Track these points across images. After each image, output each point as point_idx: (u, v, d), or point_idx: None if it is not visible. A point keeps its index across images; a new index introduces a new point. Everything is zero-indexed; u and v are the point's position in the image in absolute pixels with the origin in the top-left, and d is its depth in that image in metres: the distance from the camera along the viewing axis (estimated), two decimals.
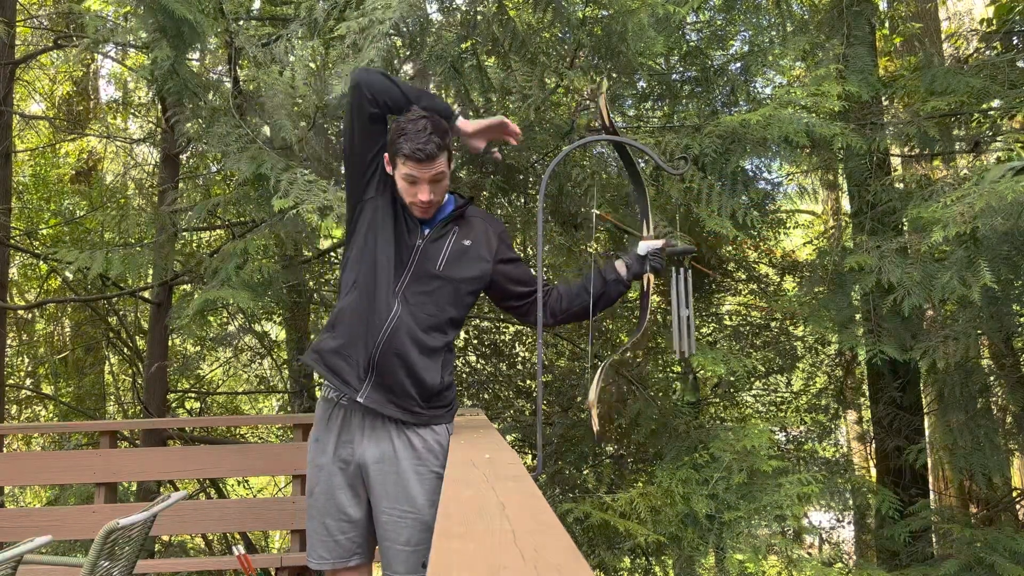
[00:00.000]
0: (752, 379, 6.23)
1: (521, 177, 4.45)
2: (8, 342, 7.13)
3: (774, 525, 3.92)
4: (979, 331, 4.11)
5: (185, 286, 5.78)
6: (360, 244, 2.10)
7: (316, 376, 7.43)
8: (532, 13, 4.00)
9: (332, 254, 6.68)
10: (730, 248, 5.50)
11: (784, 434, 6.51)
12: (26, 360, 9.16)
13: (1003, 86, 3.98)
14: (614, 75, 3.92)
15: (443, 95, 4.26)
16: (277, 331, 9.43)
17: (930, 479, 6.21)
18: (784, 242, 7.04)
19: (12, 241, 6.65)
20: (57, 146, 9.45)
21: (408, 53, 3.73)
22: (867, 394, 6.00)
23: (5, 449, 7.31)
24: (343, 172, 2.42)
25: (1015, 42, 4.73)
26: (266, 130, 3.71)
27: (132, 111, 8.78)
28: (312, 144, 3.74)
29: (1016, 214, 3.11)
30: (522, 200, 4.77)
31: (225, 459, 4.07)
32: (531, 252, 5.72)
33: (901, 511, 4.45)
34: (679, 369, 5.80)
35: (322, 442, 2.13)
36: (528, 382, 6.29)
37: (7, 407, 7.28)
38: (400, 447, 2.06)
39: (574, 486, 5.32)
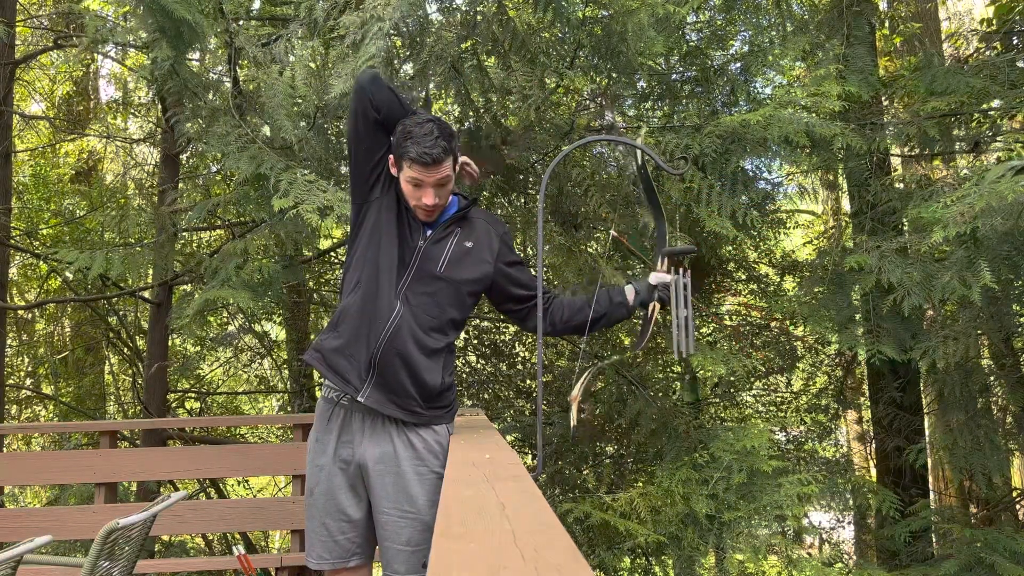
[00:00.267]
0: (752, 379, 6.23)
1: (521, 177, 4.45)
2: (8, 342, 7.13)
3: (774, 525, 3.92)
4: (979, 331, 4.11)
5: (185, 286, 5.77)
6: (364, 244, 2.10)
7: (316, 376, 7.44)
8: (532, 13, 4.00)
9: (332, 254, 6.68)
10: (730, 248, 5.50)
11: (784, 434, 6.51)
12: (26, 360, 9.16)
13: (1003, 86, 3.98)
14: (614, 75, 3.92)
15: (443, 95, 4.26)
16: (277, 331, 9.43)
17: (930, 479, 6.21)
18: (784, 242, 7.03)
19: (12, 241, 6.65)
20: (57, 146, 9.45)
21: (408, 53, 3.73)
22: (867, 394, 6.00)
23: (5, 449, 7.32)
24: (346, 172, 2.42)
25: (1015, 42, 4.73)
26: (266, 130, 3.71)
27: (132, 111, 8.78)
28: (312, 144, 3.74)
29: (1016, 214, 3.11)
30: (522, 200, 4.77)
31: (225, 459, 4.07)
32: (531, 252, 5.73)
33: (901, 511, 4.46)
34: (679, 369, 5.80)
35: (322, 442, 2.13)
36: (528, 382, 6.29)
37: (7, 407, 7.28)
38: (400, 447, 2.06)
39: (574, 486, 5.32)
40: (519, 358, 6.58)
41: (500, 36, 3.67)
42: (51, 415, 8.69)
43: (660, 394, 5.02)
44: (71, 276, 7.33)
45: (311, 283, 7.37)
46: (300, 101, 3.62)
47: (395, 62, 3.83)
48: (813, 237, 7.43)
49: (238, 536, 6.65)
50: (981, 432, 4.35)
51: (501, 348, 6.64)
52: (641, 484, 4.24)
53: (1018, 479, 9.06)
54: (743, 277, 6.10)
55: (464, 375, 6.38)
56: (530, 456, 5.69)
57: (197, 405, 9.07)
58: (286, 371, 8.24)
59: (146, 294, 6.46)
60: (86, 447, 7.40)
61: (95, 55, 8.75)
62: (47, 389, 9.06)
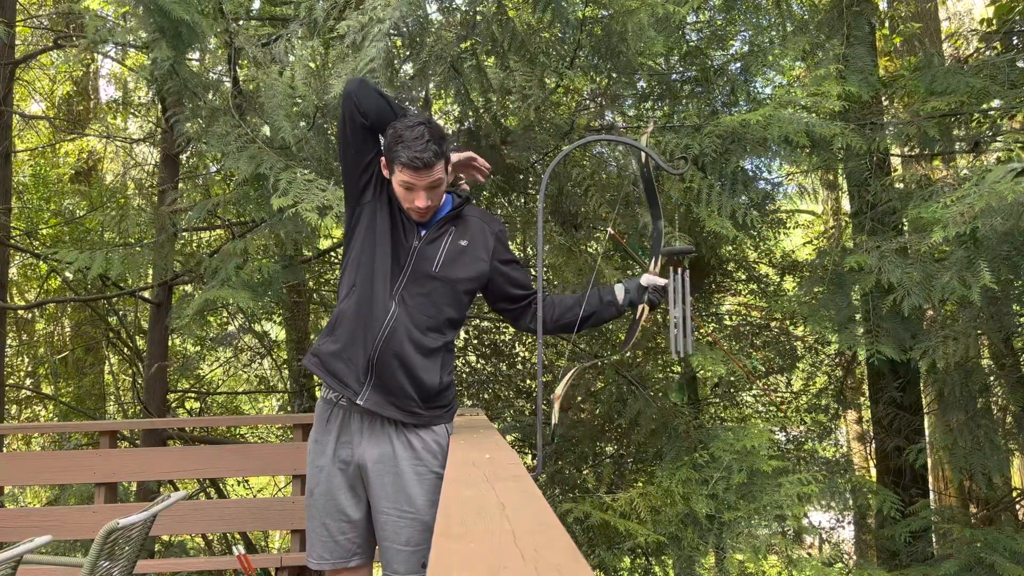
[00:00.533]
0: (751, 380, 6.23)
1: (521, 177, 4.45)
2: (8, 342, 7.13)
3: (774, 525, 3.92)
4: (979, 331, 4.11)
5: (185, 286, 5.78)
6: (358, 247, 2.10)
7: (316, 376, 7.42)
8: (532, 13, 4.00)
9: (332, 254, 6.68)
10: (730, 248, 5.50)
11: (784, 434, 6.50)
12: (26, 360, 9.16)
13: (1003, 86, 3.98)
14: (614, 75, 3.92)
15: (443, 95, 4.26)
16: (277, 331, 9.43)
17: (930, 479, 6.21)
18: (784, 242, 7.03)
19: (12, 241, 6.65)
20: (57, 146, 9.45)
21: (408, 53, 3.73)
22: (867, 394, 6.00)
23: (5, 449, 7.32)
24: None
25: (1015, 42, 4.73)
26: (266, 130, 3.71)
27: (132, 111, 8.78)
28: (312, 144, 3.74)
29: (1016, 214, 3.11)
30: (522, 200, 4.77)
31: (225, 459, 4.07)
32: (531, 252, 5.73)
33: (901, 511, 4.45)
34: (679, 369, 5.80)
35: (321, 443, 2.13)
36: (528, 382, 6.29)
37: (7, 407, 7.28)
38: (399, 447, 2.06)
39: (574, 486, 5.32)
40: (519, 358, 6.58)
41: (500, 36, 3.67)
42: (51, 415, 8.69)
43: (660, 394, 5.01)
44: (71, 276, 7.33)
45: (311, 283, 7.37)
46: (300, 101, 3.62)
47: (395, 62, 3.83)
48: (813, 237, 7.43)
49: (238, 536, 6.65)
50: (981, 432, 4.35)
51: (501, 348, 6.64)
52: (641, 484, 4.24)
53: (1018, 479, 9.06)
54: (743, 277, 6.10)
55: (464, 375, 6.38)
56: (530, 456, 5.69)
57: (197, 405, 9.07)
58: (286, 371, 8.24)
59: (146, 294, 6.46)
60: (86, 447, 7.40)
61: (95, 55, 8.75)
62: (47, 389, 9.05)
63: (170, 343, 6.82)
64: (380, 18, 3.02)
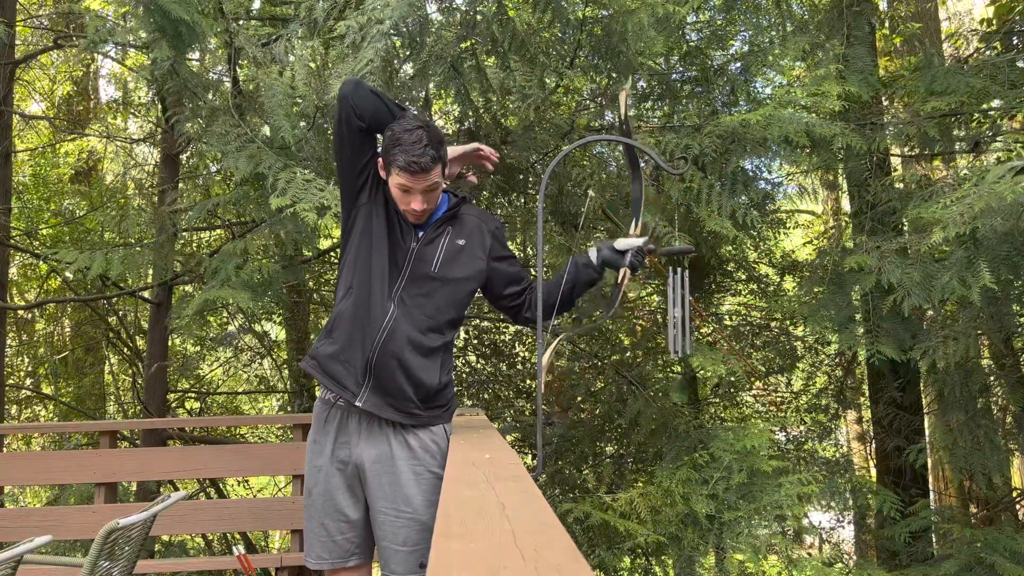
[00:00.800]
0: (753, 380, 6.23)
1: (521, 177, 4.45)
2: (8, 342, 7.13)
3: (774, 525, 3.92)
4: (979, 331, 4.11)
5: (185, 286, 5.78)
6: (355, 249, 2.10)
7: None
8: (532, 13, 4.00)
9: (332, 254, 6.68)
10: (730, 248, 5.50)
11: (784, 434, 6.51)
12: (26, 360, 9.16)
13: (1003, 86, 3.98)
14: (614, 75, 3.92)
15: (443, 95, 4.26)
16: (277, 331, 9.43)
17: (930, 479, 6.21)
18: (784, 242, 7.03)
19: (12, 241, 6.65)
20: (57, 146, 9.45)
21: (408, 53, 3.73)
22: (867, 394, 6.00)
23: (5, 449, 7.31)
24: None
25: (1015, 42, 4.73)
26: (266, 130, 3.71)
27: (132, 111, 8.78)
28: (312, 144, 3.74)
29: (1016, 214, 3.11)
30: (522, 200, 4.77)
31: (225, 459, 4.07)
32: (531, 252, 5.72)
33: (901, 511, 4.45)
34: (679, 369, 5.80)
35: (319, 443, 2.13)
36: (528, 382, 6.29)
37: (7, 407, 7.28)
38: (397, 447, 2.06)
39: (574, 486, 5.32)
40: (519, 358, 6.58)
41: (500, 36, 3.67)
42: (51, 415, 8.69)
43: (660, 394, 5.01)
44: (71, 276, 7.33)
45: (311, 283, 7.37)
46: (300, 101, 3.62)
47: (395, 62, 3.83)
48: (813, 237, 7.43)
49: (238, 536, 6.65)
50: (981, 432, 4.35)
51: (501, 348, 6.64)
52: (641, 484, 4.24)
53: (1018, 479, 9.05)
54: (743, 277, 6.11)
55: (464, 375, 6.38)
56: (530, 456, 5.69)
57: (197, 405, 9.07)
58: (286, 371, 8.24)
59: (146, 294, 6.46)
60: (86, 447, 7.40)
61: (95, 55, 8.76)
62: (47, 389, 9.05)
63: (170, 343, 6.83)
64: (379, 18, 3.02)
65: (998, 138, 4.38)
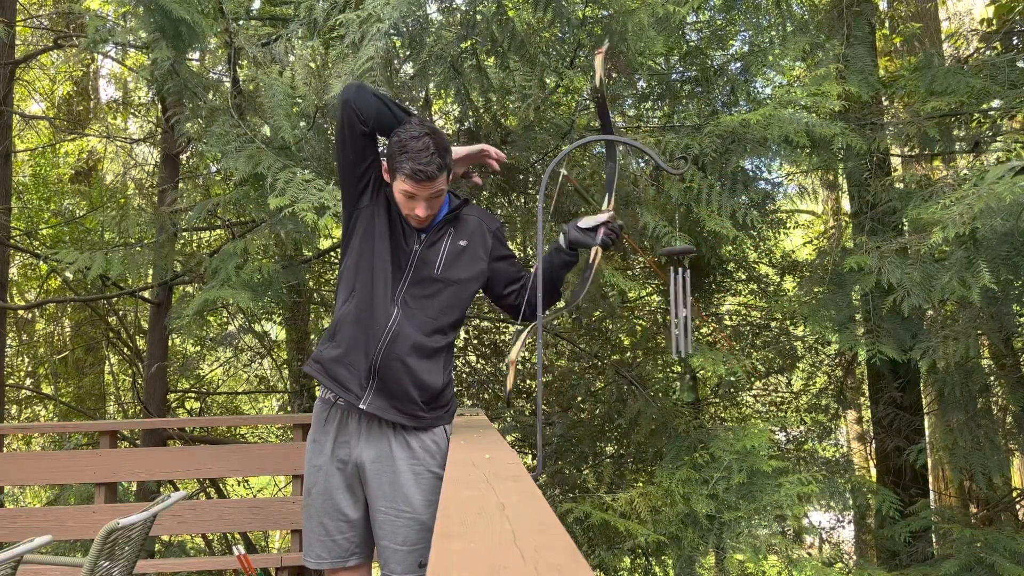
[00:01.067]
0: (752, 379, 6.24)
1: (521, 177, 4.45)
2: (8, 342, 7.13)
3: (774, 525, 3.92)
4: (979, 331, 4.11)
5: (185, 286, 5.78)
6: (357, 252, 2.10)
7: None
8: (532, 13, 4.00)
9: (332, 254, 6.68)
10: (730, 248, 5.50)
11: (784, 434, 6.51)
12: (26, 360, 9.16)
13: (1003, 86, 3.98)
14: (614, 75, 3.92)
15: (443, 95, 4.26)
16: (277, 331, 9.43)
17: (930, 479, 6.21)
18: (784, 242, 7.03)
19: (12, 241, 6.65)
20: (57, 146, 9.45)
21: (408, 53, 3.73)
22: (867, 394, 6.00)
23: (5, 449, 7.31)
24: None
25: (1015, 42, 4.73)
26: (266, 130, 3.71)
27: (132, 111, 8.78)
28: (312, 144, 3.74)
29: (1015, 214, 3.11)
30: (522, 200, 4.77)
31: (225, 459, 4.07)
32: (531, 252, 5.72)
33: (901, 511, 4.45)
34: (679, 369, 5.80)
35: (319, 443, 2.13)
36: (528, 382, 6.29)
37: (7, 407, 7.28)
38: (396, 447, 2.06)
39: (574, 486, 5.32)
40: (519, 358, 6.56)
41: (500, 36, 3.67)
42: (51, 415, 8.69)
43: (660, 394, 5.01)
44: (71, 276, 7.33)
45: (311, 283, 7.37)
46: (300, 101, 3.62)
47: (395, 62, 3.82)
48: (813, 237, 7.43)
49: (238, 536, 6.64)
50: (981, 432, 4.35)
51: (501, 348, 6.64)
52: (641, 484, 4.24)
53: (1018, 479, 9.05)
54: (743, 277, 6.10)
55: (464, 375, 6.38)
56: (530, 456, 5.69)
57: (197, 405, 9.07)
58: (286, 371, 8.23)
59: (146, 294, 6.46)
60: (86, 447, 7.40)
61: (95, 55, 8.76)
62: (47, 389, 9.05)
63: (170, 343, 6.83)
64: (379, 17, 3.02)
65: (998, 138, 4.38)
